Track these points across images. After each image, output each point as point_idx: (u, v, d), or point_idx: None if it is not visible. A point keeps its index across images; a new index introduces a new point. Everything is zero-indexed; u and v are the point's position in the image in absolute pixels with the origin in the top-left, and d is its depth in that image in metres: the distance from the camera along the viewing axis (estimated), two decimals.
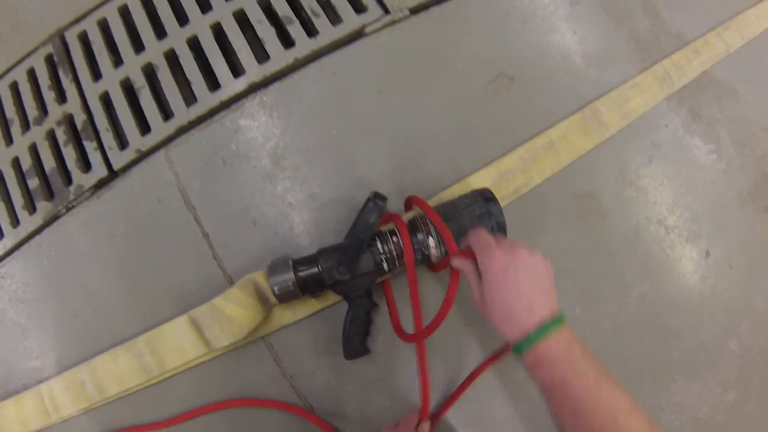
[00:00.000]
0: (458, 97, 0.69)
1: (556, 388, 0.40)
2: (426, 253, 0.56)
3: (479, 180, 0.64)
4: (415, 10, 0.70)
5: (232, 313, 0.58)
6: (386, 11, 0.69)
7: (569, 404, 0.39)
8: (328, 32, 0.68)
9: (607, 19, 0.76)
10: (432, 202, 0.62)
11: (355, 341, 0.56)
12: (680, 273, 0.72)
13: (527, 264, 0.45)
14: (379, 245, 0.56)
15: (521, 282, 0.43)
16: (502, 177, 0.65)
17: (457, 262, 0.51)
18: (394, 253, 0.56)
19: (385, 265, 0.56)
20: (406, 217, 0.59)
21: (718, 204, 0.76)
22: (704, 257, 0.73)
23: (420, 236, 0.56)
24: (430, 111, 0.67)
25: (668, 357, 0.69)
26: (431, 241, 0.56)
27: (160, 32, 0.70)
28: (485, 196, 0.57)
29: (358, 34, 0.69)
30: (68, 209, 0.68)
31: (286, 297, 0.56)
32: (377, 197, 0.56)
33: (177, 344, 0.62)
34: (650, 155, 0.73)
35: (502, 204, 0.60)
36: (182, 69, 0.68)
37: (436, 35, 0.70)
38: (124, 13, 0.71)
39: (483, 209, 0.56)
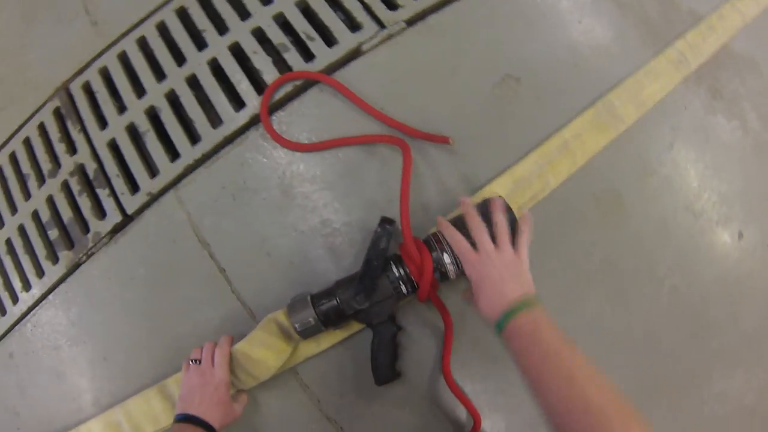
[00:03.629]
0: (465, 106, 0.66)
1: (524, 354, 0.46)
2: (443, 270, 0.55)
3: (495, 190, 0.62)
4: (410, 21, 0.68)
5: (258, 355, 0.58)
6: (382, 26, 0.68)
7: (534, 367, 0.44)
8: (324, 55, 0.67)
9: (613, 6, 0.73)
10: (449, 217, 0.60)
11: (385, 367, 0.55)
12: (713, 259, 0.69)
13: (508, 264, 0.51)
14: (394, 269, 0.55)
15: (502, 277, 0.50)
16: (518, 185, 0.62)
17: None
18: (411, 276, 0.55)
19: (403, 288, 0.55)
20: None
21: (748, 182, 0.72)
22: (737, 239, 0.70)
23: (435, 254, 0.55)
24: (437, 123, 0.65)
25: (708, 348, 0.66)
26: (446, 258, 0.55)
27: (160, 74, 0.70)
28: None
29: (355, 53, 0.68)
30: (89, 256, 0.69)
31: (308, 333, 0.56)
32: (385, 222, 0.56)
33: None
34: (670, 141, 0.70)
35: (520, 212, 0.59)
36: (184, 108, 0.69)
37: (435, 45, 0.68)
38: (124, 59, 0.72)
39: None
